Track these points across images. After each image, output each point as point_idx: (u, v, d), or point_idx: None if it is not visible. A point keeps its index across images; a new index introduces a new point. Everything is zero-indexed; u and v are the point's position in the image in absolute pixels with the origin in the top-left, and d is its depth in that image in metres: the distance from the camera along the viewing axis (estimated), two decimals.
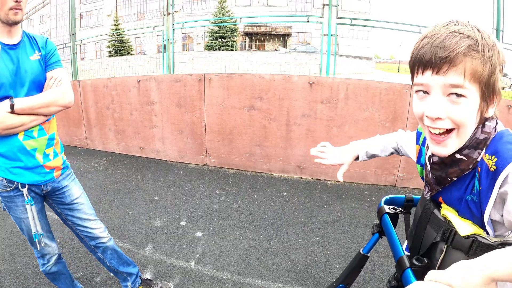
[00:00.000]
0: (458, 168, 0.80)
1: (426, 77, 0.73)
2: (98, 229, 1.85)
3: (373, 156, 1.28)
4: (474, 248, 0.76)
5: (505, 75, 14.54)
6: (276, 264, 2.47)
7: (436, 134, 0.76)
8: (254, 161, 4.37)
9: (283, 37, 25.70)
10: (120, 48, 22.48)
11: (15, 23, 1.44)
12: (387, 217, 1.18)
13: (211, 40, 19.56)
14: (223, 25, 19.10)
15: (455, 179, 0.82)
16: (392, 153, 1.26)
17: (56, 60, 1.63)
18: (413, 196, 1.23)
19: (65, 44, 5.74)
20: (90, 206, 1.85)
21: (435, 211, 0.88)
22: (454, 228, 0.80)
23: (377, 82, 3.91)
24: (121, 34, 19.75)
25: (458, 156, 0.79)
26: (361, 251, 1.41)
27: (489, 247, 0.75)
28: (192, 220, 3.08)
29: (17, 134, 1.48)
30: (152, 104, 4.58)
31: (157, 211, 3.23)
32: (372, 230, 1.30)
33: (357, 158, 1.32)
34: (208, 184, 3.94)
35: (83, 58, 19.07)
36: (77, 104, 5.22)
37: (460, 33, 0.70)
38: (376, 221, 1.29)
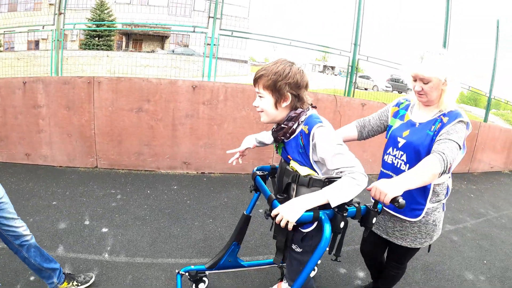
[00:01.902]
0: (282, 131, 1.63)
1: None
2: (22, 227, 2.06)
3: (261, 142, 2.02)
4: (311, 183, 1.53)
5: (368, 78, 17.90)
6: (180, 244, 3.06)
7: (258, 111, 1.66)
8: (143, 160, 4.76)
9: (161, 38, 25.31)
10: None
11: None
12: (258, 177, 1.95)
13: (87, 38, 18.10)
14: (102, 24, 17.95)
15: (282, 138, 1.65)
16: None
17: None
18: (276, 165, 1.98)
19: None
20: (12, 205, 2.03)
21: (287, 166, 1.66)
22: (298, 173, 1.58)
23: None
24: None
25: (282, 125, 1.63)
26: (244, 212, 2.18)
27: (320, 181, 1.51)
28: (95, 219, 3.38)
29: None
30: (39, 107, 4.47)
31: (59, 215, 3.40)
32: (250, 189, 2.05)
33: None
34: (101, 185, 4.20)
35: None
36: None
37: (263, 68, 1.57)
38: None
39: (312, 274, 2.78)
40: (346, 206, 1.49)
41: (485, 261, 3.49)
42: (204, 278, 2.45)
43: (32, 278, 2.48)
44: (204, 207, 3.85)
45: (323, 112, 3.68)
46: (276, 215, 1.41)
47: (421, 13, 6.80)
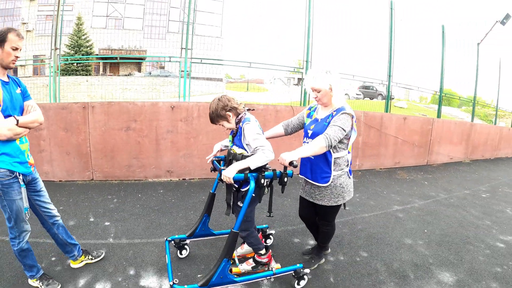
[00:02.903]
0: (235, 131, 2.78)
1: None
2: (54, 209, 2.94)
3: (225, 146, 3.09)
4: (242, 158, 2.63)
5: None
6: (168, 229, 4.05)
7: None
8: (132, 171, 5.75)
9: (138, 61, 26.50)
10: None
11: (10, 68, 2.44)
12: (215, 161, 3.03)
13: (66, 64, 19.05)
14: (79, 49, 19.04)
15: (235, 133, 2.78)
16: None
17: (28, 94, 2.64)
18: None
19: None
20: (47, 193, 2.85)
21: (231, 150, 2.79)
22: (237, 153, 2.70)
23: None
24: None
25: (235, 127, 2.76)
26: (210, 191, 3.21)
27: (247, 157, 2.60)
28: (98, 216, 4.34)
29: (15, 139, 2.44)
30: (40, 130, 5.33)
31: (67, 216, 4.31)
32: (211, 168, 3.08)
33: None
34: (99, 192, 5.16)
35: None
36: None
37: (209, 114, 2.75)
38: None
39: (269, 242, 3.78)
40: (264, 170, 2.56)
41: (425, 230, 4.40)
42: (186, 246, 3.43)
43: (53, 258, 3.34)
44: (186, 203, 4.84)
45: (282, 120, 4.65)
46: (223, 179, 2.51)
47: (366, 24, 8.04)
